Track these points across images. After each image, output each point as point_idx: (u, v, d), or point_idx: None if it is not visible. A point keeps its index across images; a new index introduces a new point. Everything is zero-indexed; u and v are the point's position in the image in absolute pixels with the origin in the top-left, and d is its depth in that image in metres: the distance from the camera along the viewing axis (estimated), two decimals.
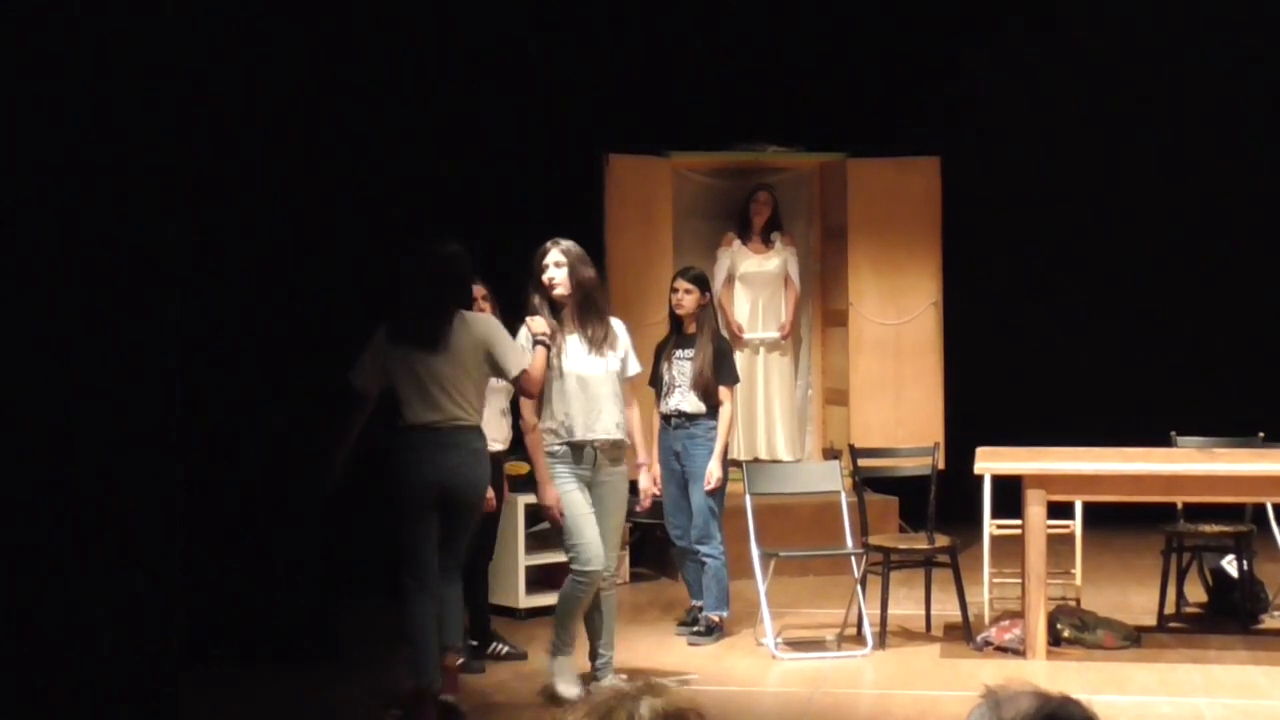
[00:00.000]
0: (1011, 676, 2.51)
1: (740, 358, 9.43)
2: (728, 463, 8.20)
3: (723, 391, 8.13)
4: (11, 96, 5.14)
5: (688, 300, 8.16)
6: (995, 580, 8.58)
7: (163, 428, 5.47)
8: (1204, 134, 11.35)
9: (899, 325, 10.40)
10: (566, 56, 10.40)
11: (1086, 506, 8.63)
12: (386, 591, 7.43)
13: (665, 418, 8.23)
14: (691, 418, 8.13)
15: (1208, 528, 8.41)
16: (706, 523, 8.10)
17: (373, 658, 7.69)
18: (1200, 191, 11.41)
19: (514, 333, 6.79)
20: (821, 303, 10.78)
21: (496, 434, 7.51)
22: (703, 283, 8.31)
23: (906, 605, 8.56)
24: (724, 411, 8.13)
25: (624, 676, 6.95)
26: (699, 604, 8.26)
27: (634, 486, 7.24)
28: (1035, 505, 7.62)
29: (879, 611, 7.98)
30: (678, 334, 8.26)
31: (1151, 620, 8.36)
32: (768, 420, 10.45)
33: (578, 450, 6.87)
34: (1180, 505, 8.45)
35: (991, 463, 7.95)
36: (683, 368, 8.15)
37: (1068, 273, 11.63)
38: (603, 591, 6.92)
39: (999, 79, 11.41)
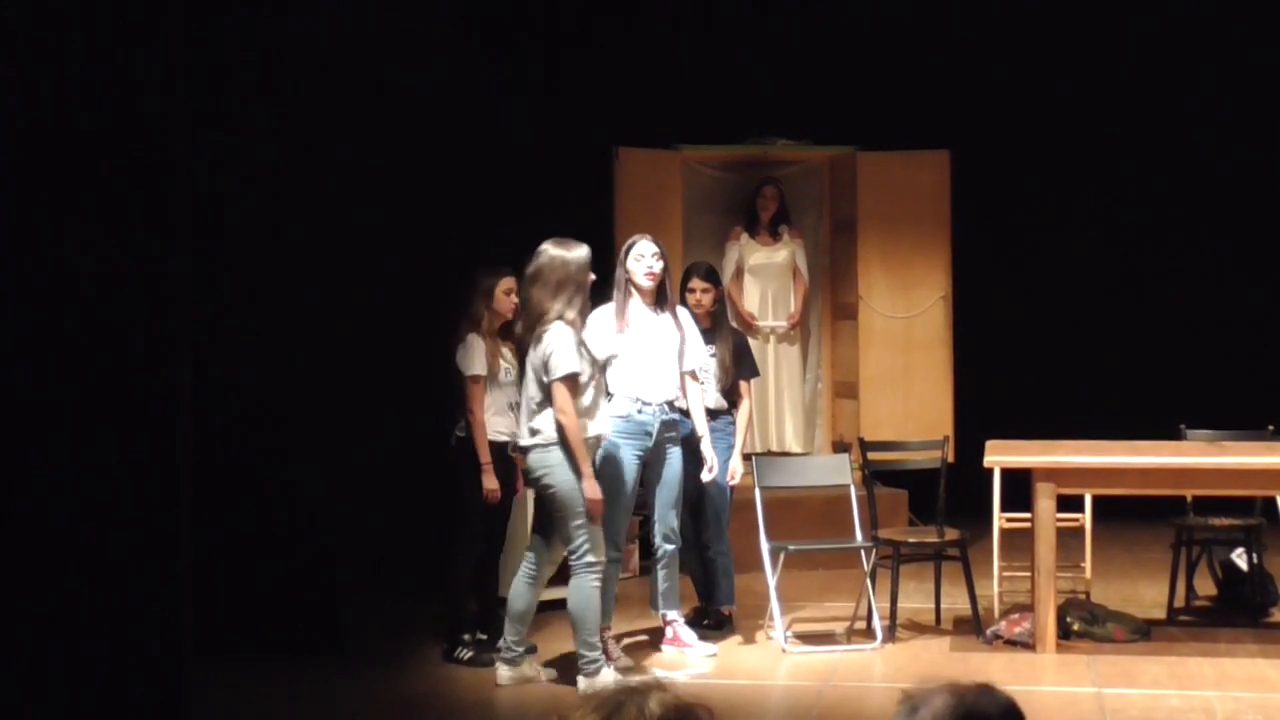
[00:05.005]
0: (926, 676, 2.50)
1: (753, 346, 9.40)
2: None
3: (742, 386, 8.11)
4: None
5: (707, 299, 8.09)
6: (1005, 574, 8.59)
7: (172, 417, 5.48)
8: (1214, 126, 11.33)
9: (908, 319, 10.39)
10: (577, 49, 10.39)
11: (1096, 500, 8.63)
12: (395, 584, 7.41)
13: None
14: (714, 414, 8.04)
15: (1217, 521, 8.41)
16: (719, 518, 8.09)
17: (380, 651, 7.71)
18: (1210, 183, 11.40)
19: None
20: (831, 296, 10.78)
21: (504, 426, 7.51)
22: (715, 277, 8.29)
23: (916, 599, 8.57)
24: (744, 407, 8.12)
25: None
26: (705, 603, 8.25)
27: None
28: (1045, 499, 7.62)
29: (889, 605, 7.99)
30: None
31: (1161, 613, 8.35)
32: (777, 413, 10.46)
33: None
34: (1190, 498, 8.45)
35: (1001, 456, 7.95)
36: (707, 364, 8.07)
37: (1076, 265, 11.62)
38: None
39: (1009, 72, 11.39)
